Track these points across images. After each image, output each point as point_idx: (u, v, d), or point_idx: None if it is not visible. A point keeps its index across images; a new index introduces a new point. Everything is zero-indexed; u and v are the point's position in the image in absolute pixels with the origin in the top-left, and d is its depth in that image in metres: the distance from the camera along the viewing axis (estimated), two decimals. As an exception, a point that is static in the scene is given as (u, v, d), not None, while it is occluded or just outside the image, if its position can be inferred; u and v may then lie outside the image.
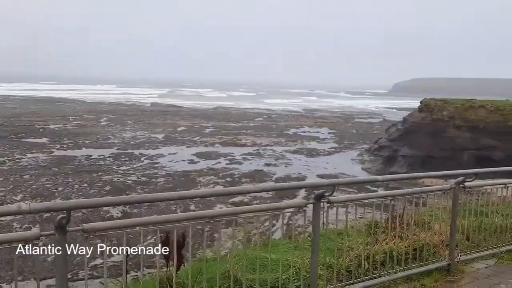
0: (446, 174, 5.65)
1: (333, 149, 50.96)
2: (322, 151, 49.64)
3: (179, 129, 63.97)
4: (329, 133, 65.70)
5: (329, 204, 4.48)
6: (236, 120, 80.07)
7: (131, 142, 50.67)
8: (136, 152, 45.04)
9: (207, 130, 63.56)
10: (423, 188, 5.29)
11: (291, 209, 4.44)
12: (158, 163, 40.21)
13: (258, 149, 49.40)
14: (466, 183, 5.56)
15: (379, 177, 5.20)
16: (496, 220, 6.04)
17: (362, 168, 41.23)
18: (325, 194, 4.42)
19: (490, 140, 37.49)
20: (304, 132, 66.27)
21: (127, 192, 30.10)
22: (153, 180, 33.63)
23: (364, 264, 4.72)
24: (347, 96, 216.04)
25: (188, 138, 55.65)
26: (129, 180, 33.47)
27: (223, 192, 4.70)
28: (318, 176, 36.95)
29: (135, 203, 3.80)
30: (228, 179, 34.94)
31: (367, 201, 4.97)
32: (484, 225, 5.96)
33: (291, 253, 4.58)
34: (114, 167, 37.67)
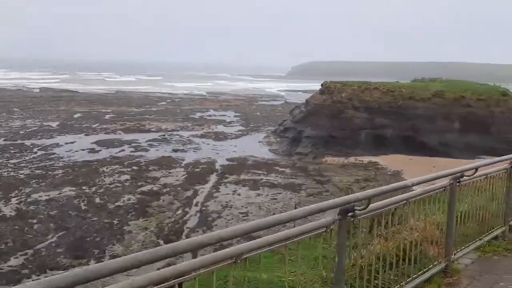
0: (448, 173, 4.97)
1: (240, 132, 51.34)
2: (230, 134, 49.74)
3: (75, 116, 59.30)
4: (235, 116, 66.06)
5: (355, 219, 3.68)
6: (138, 105, 76.60)
7: (21, 132, 45.70)
8: (27, 142, 40.72)
9: (107, 116, 59.84)
10: (425, 188, 4.78)
11: (316, 231, 3.46)
12: (54, 153, 36.85)
13: (164, 135, 47.88)
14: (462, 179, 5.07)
15: (409, 182, 4.48)
16: (477, 211, 5.65)
17: (269, 150, 42.15)
18: (356, 208, 3.59)
19: (383, 120, 40.67)
20: (210, 115, 65.78)
21: (20, 187, 27.08)
22: (50, 172, 30.75)
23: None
24: (248, 79, 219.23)
25: (86, 125, 51.84)
26: (21, 174, 30.17)
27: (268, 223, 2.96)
28: (228, 159, 36.99)
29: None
30: (135, 167, 33.31)
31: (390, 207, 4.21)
32: (467, 217, 5.51)
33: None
34: (2, 161, 33.69)
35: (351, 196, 3.60)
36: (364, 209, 3.67)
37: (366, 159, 37.93)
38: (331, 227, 3.50)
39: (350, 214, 3.57)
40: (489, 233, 5.89)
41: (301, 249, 3.39)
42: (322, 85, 44.89)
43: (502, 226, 6.15)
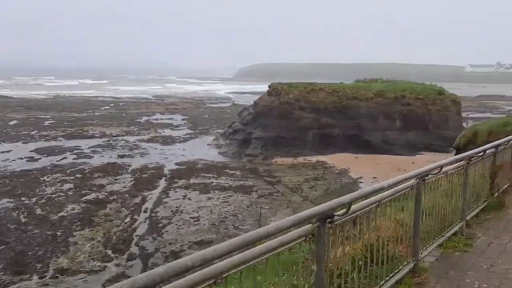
0: (416, 174, 4.97)
1: (188, 135, 50.63)
2: (178, 138, 48.90)
3: (11, 123, 55.73)
4: (183, 119, 65.09)
5: (333, 225, 3.55)
6: (80, 110, 73.42)
7: (-52, 141, 42.33)
8: (-43, 153, 37.81)
9: (46, 123, 56.78)
10: (395, 188, 4.60)
11: (296, 241, 3.25)
12: (-13, 163, 34.43)
13: (109, 140, 46.21)
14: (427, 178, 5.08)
15: (385, 184, 4.36)
16: (438, 208, 5.65)
17: (219, 153, 41.89)
18: (336, 213, 3.47)
19: (329, 119, 41.72)
20: (156, 119, 64.35)
21: (-50, 202, 25.01)
22: (-16, 184, 28.66)
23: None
24: (196, 81, 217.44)
25: (24, 132, 48.86)
26: (-50, 187, 27.90)
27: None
28: (177, 164, 36.33)
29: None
30: (78, 175, 31.79)
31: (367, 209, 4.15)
32: (430, 215, 5.48)
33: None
34: None
35: (335, 201, 3.47)
36: (345, 213, 3.57)
37: (314, 158, 38.71)
38: (309, 235, 3.31)
39: (328, 220, 3.43)
40: (450, 229, 5.94)
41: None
42: (269, 86, 45.29)
43: (460, 222, 6.24)
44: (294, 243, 3.22)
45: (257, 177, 33.02)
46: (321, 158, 38.72)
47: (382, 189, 4.33)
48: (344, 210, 3.56)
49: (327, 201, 3.55)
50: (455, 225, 6.13)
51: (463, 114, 50.26)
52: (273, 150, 40.06)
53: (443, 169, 5.54)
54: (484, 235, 6.06)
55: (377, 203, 4.27)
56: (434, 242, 5.48)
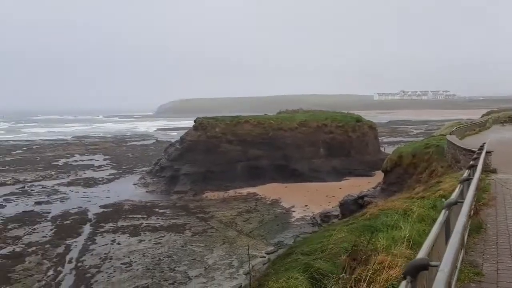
0: None
1: (112, 176, 48.32)
2: (101, 179, 46.45)
3: None
4: (104, 159, 62.18)
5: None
6: (-13, 155, 67.24)
7: None
8: None
9: None
10: None
11: None
12: None
13: (24, 186, 42.60)
14: None
15: None
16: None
17: (146, 191, 40.36)
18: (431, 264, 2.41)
19: (256, 151, 42.33)
20: (76, 161, 60.78)
21: None
22: None
23: None
24: (115, 119, 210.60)
25: None
26: None
27: None
28: (102, 206, 34.35)
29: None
30: (-11, 228, 28.71)
31: None
32: None
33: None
34: None
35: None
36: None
37: (245, 190, 38.78)
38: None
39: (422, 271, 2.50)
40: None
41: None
42: (195, 121, 45.06)
43: (461, 249, 5.68)
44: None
45: (189, 214, 32.22)
46: (252, 189, 38.91)
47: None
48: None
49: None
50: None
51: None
52: (203, 185, 39.52)
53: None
54: (485, 261, 5.67)
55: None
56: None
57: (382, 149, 46.09)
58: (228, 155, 41.62)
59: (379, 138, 58.01)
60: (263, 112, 58.29)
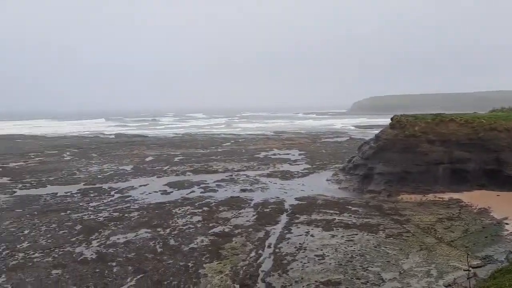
0: None
1: (306, 171, 50.44)
2: (296, 173, 48.99)
3: (147, 159, 61.82)
4: (300, 154, 65.44)
5: None
6: (204, 146, 78.66)
7: (99, 176, 48.20)
8: (105, 186, 42.71)
9: (176, 159, 61.74)
10: None
11: None
12: (129, 196, 38.15)
13: (231, 175, 48.17)
14: None
15: None
16: None
17: (339, 188, 40.72)
18: None
19: (462, 153, 38.01)
20: (274, 154, 65.69)
21: (100, 230, 28.01)
22: (126, 215, 31.61)
23: None
24: (312, 116, 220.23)
25: (158, 168, 53.65)
26: (100, 217, 31.30)
27: None
28: (297, 199, 36.12)
29: None
30: (205, 208, 33.41)
31: None
32: None
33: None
34: (83, 204, 35.32)
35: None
36: None
37: (446, 195, 35.36)
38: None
39: None
40: None
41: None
42: (392, 119, 43.18)
43: None
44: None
45: (383, 214, 31.10)
46: (455, 195, 35.19)
47: None
48: None
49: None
50: None
51: None
52: (398, 186, 37.60)
53: None
54: None
55: None
56: None
57: None
58: (428, 156, 38.53)
59: None
60: (462, 111, 52.23)
